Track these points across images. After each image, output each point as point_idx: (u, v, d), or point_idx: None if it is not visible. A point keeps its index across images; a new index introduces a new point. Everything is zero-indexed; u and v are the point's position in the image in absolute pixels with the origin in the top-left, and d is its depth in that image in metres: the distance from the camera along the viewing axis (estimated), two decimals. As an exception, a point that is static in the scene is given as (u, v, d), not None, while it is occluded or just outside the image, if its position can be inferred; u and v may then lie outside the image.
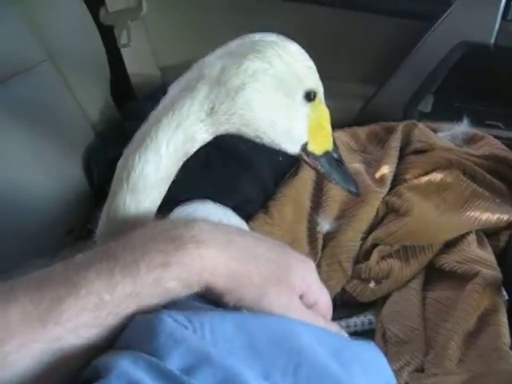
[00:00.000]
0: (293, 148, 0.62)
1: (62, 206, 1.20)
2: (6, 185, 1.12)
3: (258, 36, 0.59)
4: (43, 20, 1.28)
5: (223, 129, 0.58)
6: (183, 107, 0.55)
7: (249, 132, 0.59)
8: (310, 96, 0.60)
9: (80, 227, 1.19)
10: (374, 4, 1.50)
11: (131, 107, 1.41)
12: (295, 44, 0.60)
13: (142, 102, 1.44)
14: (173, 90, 0.58)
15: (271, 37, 0.59)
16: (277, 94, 0.58)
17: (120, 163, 0.58)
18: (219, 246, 0.48)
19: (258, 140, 0.60)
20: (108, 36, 1.45)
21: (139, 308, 0.45)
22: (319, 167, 0.63)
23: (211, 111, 0.56)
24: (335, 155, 0.65)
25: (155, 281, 0.45)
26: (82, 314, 0.43)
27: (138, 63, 1.57)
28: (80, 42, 1.38)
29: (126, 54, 1.52)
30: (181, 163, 0.58)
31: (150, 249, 0.46)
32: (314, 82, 0.61)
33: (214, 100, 0.56)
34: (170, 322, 0.43)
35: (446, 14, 1.40)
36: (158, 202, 0.58)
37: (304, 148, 0.62)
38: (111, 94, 1.46)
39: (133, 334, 0.44)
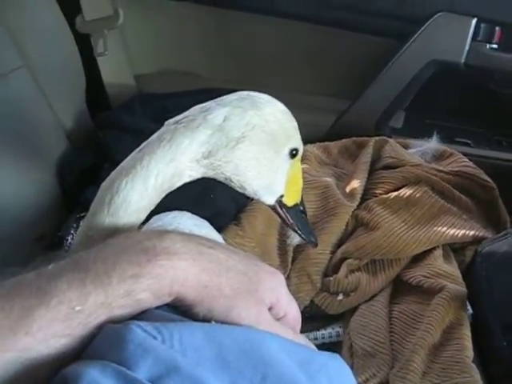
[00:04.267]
0: (270, 200, 0.66)
1: (33, 212, 1.19)
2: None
3: (254, 93, 0.62)
4: (19, 27, 1.26)
5: (212, 173, 0.60)
6: (182, 144, 0.57)
7: (236, 182, 0.62)
8: (292, 153, 0.64)
9: (51, 234, 1.18)
10: (348, 21, 1.50)
11: (105, 116, 1.40)
12: (283, 105, 0.64)
13: (116, 112, 1.44)
14: (170, 125, 0.59)
15: (265, 96, 0.63)
16: (268, 149, 0.61)
17: (104, 185, 0.58)
18: (191, 258, 0.48)
19: (239, 190, 0.63)
20: (84, 44, 1.44)
21: (110, 318, 0.45)
22: (288, 218, 0.68)
23: (208, 154, 0.58)
24: (301, 207, 0.69)
25: (126, 292, 0.45)
26: (53, 323, 0.43)
27: (114, 72, 1.55)
28: (56, 49, 1.37)
29: (101, 62, 1.51)
30: (163, 195, 0.59)
31: (122, 260, 0.46)
32: (298, 140, 0.65)
33: (213, 145, 0.58)
34: (139, 331, 0.43)
35: (418, 33, 1.42)
36: (136, 227, 0.59)
37: (279, 200, 0.66)
38: (86, 103, 1.45)
39: (102, 343, 0.44)
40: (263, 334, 0.49)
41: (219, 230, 1.11)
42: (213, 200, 1.16)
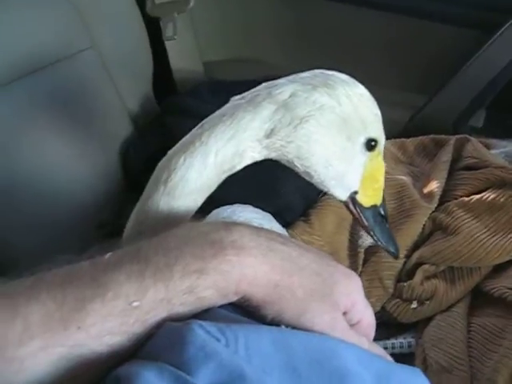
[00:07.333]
0: (341, 194, 0.60)
1: (94, 198, 1.19)
2: (41, 171, 1.12)
3: (330, 72, 0.58)
4: (90, 7, 1.27)
5: (275, 154, 0.56)
6: (243, 119, 0.54)
7: (300, 166, 0.57)
8: (370, 145, 0.58)
9: (112, 222, 1.16)
10: (429, 10, 1.44)
11: (172, 102, 1.38)
12: (365, 88, 0.59)
13: (182, 97, 1.41)
14: (234, 101, 0.56)
15: (343, 76, 0.58)
16: (338, 134, 0.56)
17: (161, 164, 0.56)
18: (261, 254, 0.45)
19: (306, 177, 0.59)
20: (153, 28, 1.42)
21: (169, 316, 0.42)
22: (363, 220, 0.62)
23: (270, 133, 0.54)
24: (381, 211, 0.63)
25: (189, 288, 0.42)
26: (108, 319, 0.40)
27: (182, 57, 1.55)
28: (125, 32, 1.37)
29: (170, 47, 1.50)
30: (223, 177, 0.56)
31: (186, 252, 0.43)
32: (378, 131, 0.59)
33: (276, 122, 0.54)
34: (201, 333, 0.39)
35: (507, 25, 1.33)
36: (192, 212, 0.56)
37: (352, 197, 0.61)
38: (152, 88, 1.44)
39: (160, 343, 0.41)
40: (338, 343, 0.45)
41: (286, 225, 1.09)
42: (281, 193, 1.12)
